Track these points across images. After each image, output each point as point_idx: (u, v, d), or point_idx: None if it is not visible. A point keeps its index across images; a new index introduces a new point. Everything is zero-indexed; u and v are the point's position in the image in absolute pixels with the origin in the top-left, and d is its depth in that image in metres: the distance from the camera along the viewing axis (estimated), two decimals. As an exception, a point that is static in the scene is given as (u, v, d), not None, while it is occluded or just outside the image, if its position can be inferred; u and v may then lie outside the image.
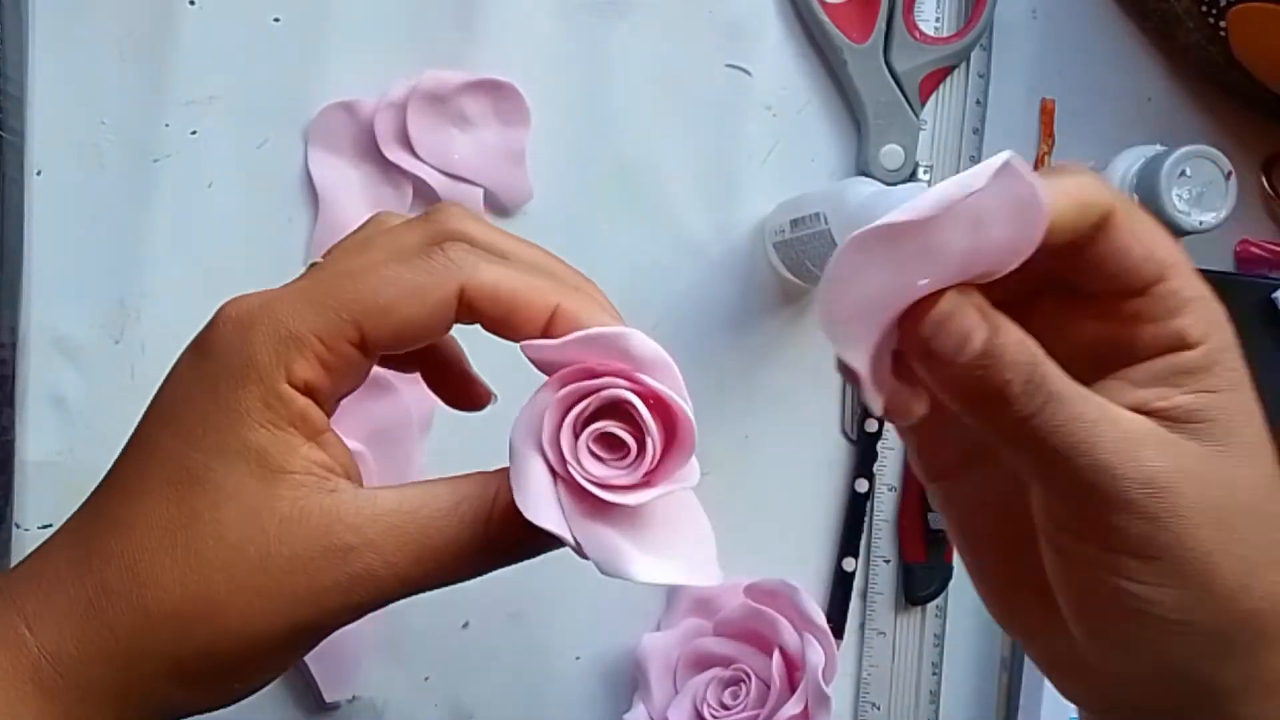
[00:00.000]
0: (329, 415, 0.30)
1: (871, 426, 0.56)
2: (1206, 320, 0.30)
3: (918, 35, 0.56)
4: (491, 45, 0.54)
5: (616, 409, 0.28)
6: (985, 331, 0.27)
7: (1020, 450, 0.28)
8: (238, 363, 0.29)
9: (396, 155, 0.52)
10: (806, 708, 0.51)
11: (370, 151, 0.52)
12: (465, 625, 0.53)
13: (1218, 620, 0.28)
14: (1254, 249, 0.59)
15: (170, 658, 0.28)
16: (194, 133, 0.52)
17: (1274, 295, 0.57)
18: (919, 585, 0.56)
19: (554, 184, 0.54)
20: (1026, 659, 0.55)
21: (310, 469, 0.29)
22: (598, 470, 0.28)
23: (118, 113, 0.51)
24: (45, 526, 0.50)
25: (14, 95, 0.49)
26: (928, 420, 0.30)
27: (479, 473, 0.30)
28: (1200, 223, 0.52)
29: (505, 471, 0.29)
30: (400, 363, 0.36)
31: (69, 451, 0.50)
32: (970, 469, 0.33)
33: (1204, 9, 0.55)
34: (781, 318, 0.56)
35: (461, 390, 0.37)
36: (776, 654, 0.52)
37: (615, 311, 0.32)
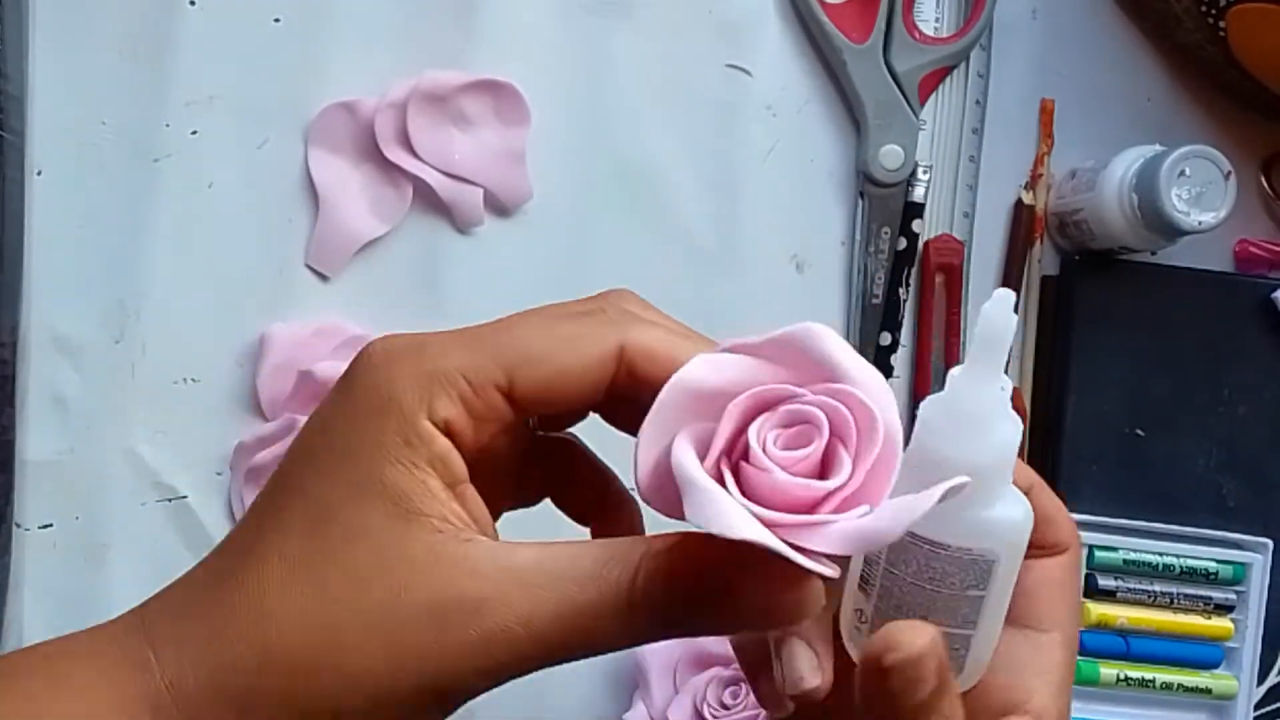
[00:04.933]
0: (472, 470, 0.28)
1: (871, 426, 0.56)
2: (1049, 688, 0.30)
3: (917, 35, 0.56)
4: (491, 45, 0.54)
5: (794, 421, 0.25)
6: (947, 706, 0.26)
7: None
8: (379, 397, 0.27)
9: (396, 155, 0.52)
10: (806, 707, 0.51)
11: (370, 151, 0.52)
12: (465, 625, 0.53)
13: None
14: (1253, 249, 0.59)
15: (289, 704, 0.27)
16: (194, 133, 0.52)
17: (1273, 295, 0.57)
18: (919, 585, 0.56)
19: (554, 184, 0.54)
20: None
21: (446, 516, 0.27)
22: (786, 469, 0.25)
23: (118, 113, 0.51)
24: (45, 526, 0.50)
25: (14, 95, 0.49)
26: None
27: (628, 538, 0.28)
28: (1199, 223, 0.52)
29: (656, 537, 0.27)
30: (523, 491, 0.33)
31: (69, 451, 0.50)
32: None
33: (1203, 9, 0.55)
34: (784, 317, 0.56)
35: (604, 509, 0.34)
36: (776, 654, 0.52)
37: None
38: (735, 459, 0.25)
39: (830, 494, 0.24)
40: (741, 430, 0.25)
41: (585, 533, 0.34)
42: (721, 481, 0.24)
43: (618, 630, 0.27)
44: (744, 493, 0.24)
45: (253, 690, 0.27)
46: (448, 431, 0.27)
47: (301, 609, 0.27)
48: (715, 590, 0.26)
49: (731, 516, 0.23)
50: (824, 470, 0.25)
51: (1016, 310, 0.26)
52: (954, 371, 0.27)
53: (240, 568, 0.28)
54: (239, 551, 0.28)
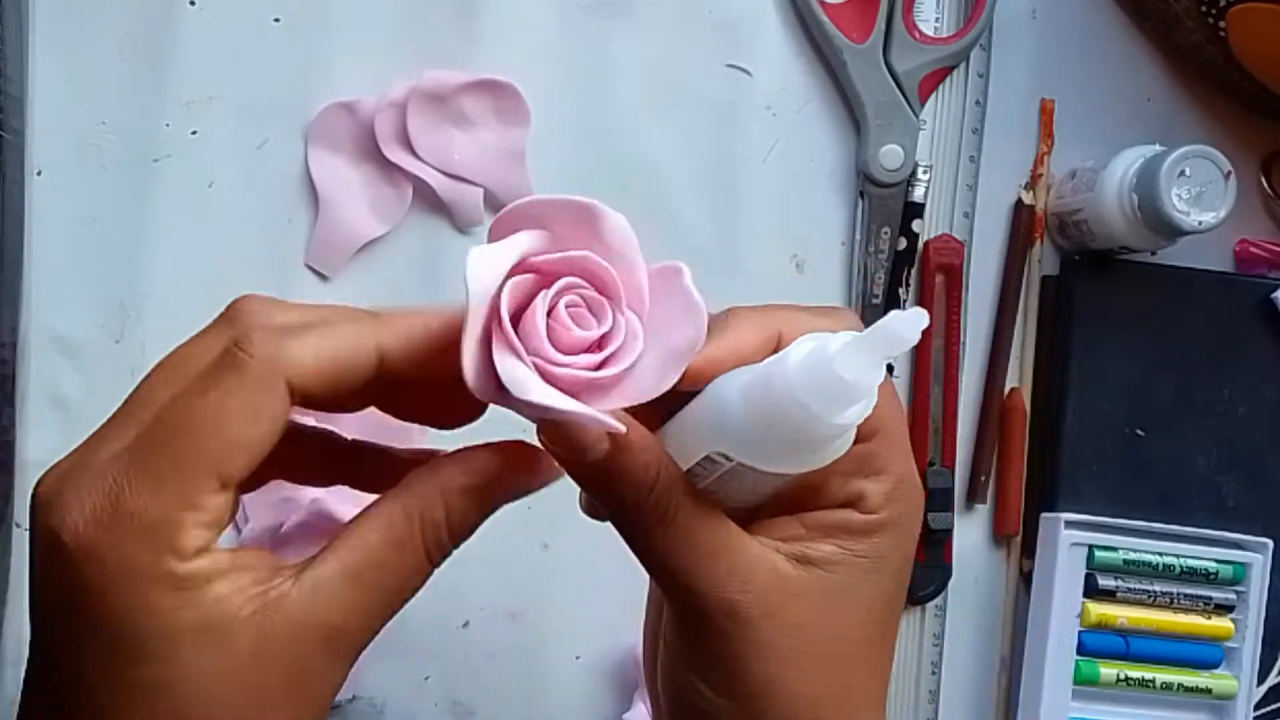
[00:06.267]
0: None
1: (871, 426, 0.56)
2: (891, 496, 0.32)
3: (917, 35, 0.56)
4: (491, 45, 0.54)
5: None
6: (604, 445, 0.29)
7: (643, 558, 0.31)
8: (121, 576, 0.26)
9: (396, 155, 0.52)
10: (806, 707, 0.51)
11: (370, 151, 0.52)
12: (465, 625, 0.53)
13: None
14: (1253, 249, 0.59)
15: None
16: (194, 133, 0.52)
17: (1273, 295, 0.57)
18: (918, 585, 0.56)
19: (554, 184, 0.54)
20: (1026, 658, 0.55)
21: (247, 597, 0.28)
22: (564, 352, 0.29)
23: (118, 113, 0.51)
24: (45, 526, 0.50)
25: (14, 95, 0.49)
26: None
27: (399, 499, 0.30)
28: (1199, 222, 0.52)
29: (422, 488, 0.30)
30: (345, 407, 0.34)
31: (69, 451, 0.50)
32: None
33: (1204, 9, 0.55)
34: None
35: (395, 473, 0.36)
36: (776, 653, 0.52)
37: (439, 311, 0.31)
38: (530, 340, 0.28)
39: (608, 358, 0.29)
40: (523, 307, 0.29)
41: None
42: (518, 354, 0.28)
43: (419, 585, 0.30)
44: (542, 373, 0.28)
45: None
46: (200, 551, 0.27)
47: None
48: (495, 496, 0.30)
49: (552, 398, 0.28)
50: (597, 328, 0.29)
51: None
52: (842, 338, 0.27)
53: None
54: None
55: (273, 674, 0.28)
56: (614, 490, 0.30)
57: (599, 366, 0.29)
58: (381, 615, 0.29)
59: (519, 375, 0.28)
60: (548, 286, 0.29)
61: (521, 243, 0.29)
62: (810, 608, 0.31)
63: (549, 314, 0.28)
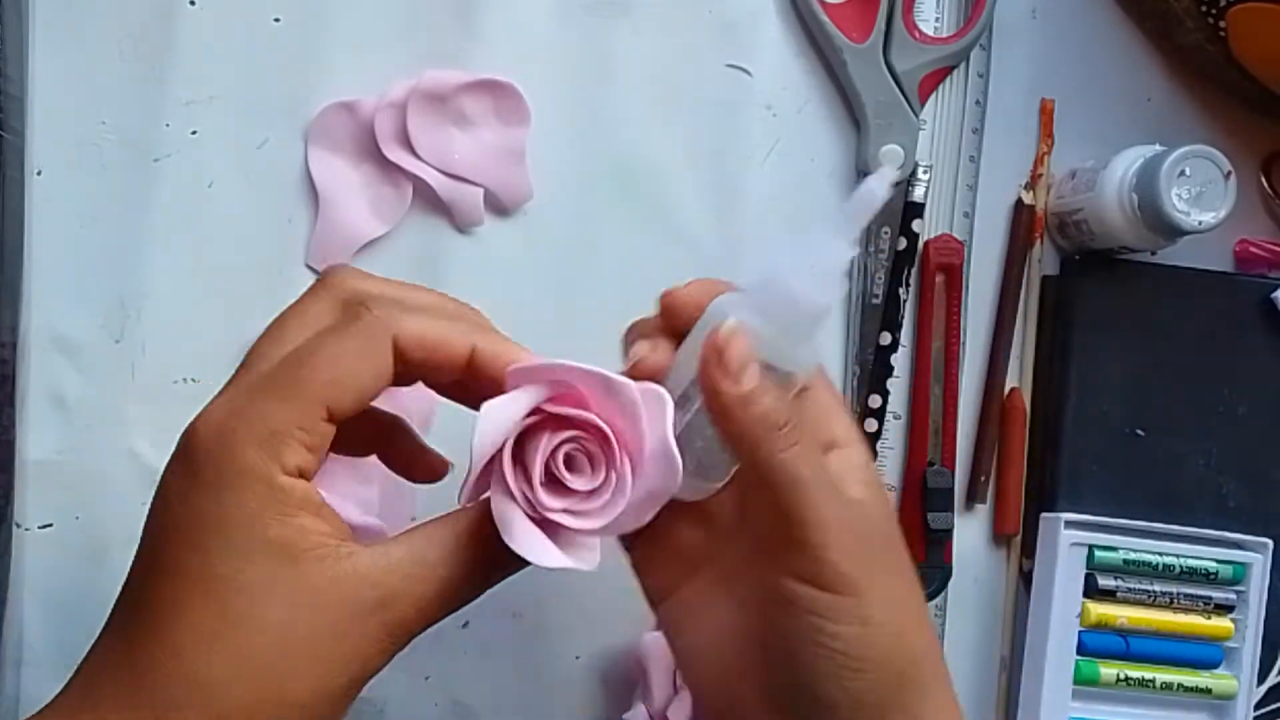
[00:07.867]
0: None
1: (871, 426, 0.56)
2: (847, 425, 0.38)
3: (917, 35, 0.56)
4: (491, 45, 0.54)
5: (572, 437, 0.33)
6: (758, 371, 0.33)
7: (765, 476, 0.34)
8: (232, 471, 0.31)
9: (397, 155, 0.52)
10: (806, 707, 0.51)
11: (370, 151, 0.52)
12: (465, 625, 0.53)
13: (891, 658, 0.34)
14: (1253, 249, 0.59)
15: None
16: (194, 133, 0.52)
17: (1274, 295, 0.57)
18: (919, 585, 0.56)
19: (554, 184, 0.54)
20: (1026, 658, 0.55)
21: (324, 541, 0.32)
22: (559, 502, 0.33)
23: (118, 113, 0.51)
24: (45, 526, 0.50)
25: (14, 95, 0.49)
26: (645, 538, 0.37)
27: (466, 509, 0.34)
28: (1199, 222, 0.52)
29: (486, 504, 0.33)
30: (354, 447, 0.40)
31: (69, 451, 0.50)
32: (690, 584, 0.38)
33: (1204, 9, 0.55)
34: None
35: (417, 462, 0.42)
36: (776, 653, 0.52)
37: (523, 347, 0.36)
38: (531, 472, 0.33)
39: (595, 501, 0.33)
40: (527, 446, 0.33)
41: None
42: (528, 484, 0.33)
43: (479, 588, 0.34)
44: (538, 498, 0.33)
45: None
46: (300, 474, 0.32)
47: (239, 677, 0.30)
48: None
49: (528, 547, 0.32)
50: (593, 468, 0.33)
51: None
52: (819, 229, 0.33)
53: (160, 655, 0.30)
54: (149, 641, 0.31)
55: (327, 617, 0.31)
56: (758, 413, 0.34)
57: (583, 511, 0.33)
58: (437, 606, 0.33)
59: (507, 516, 0.32)
60: (555, 432, 0.33)
61: (532, 396, 0.33)
62: (860, 490, 0.35)
63: (550, 456, 0.33)
